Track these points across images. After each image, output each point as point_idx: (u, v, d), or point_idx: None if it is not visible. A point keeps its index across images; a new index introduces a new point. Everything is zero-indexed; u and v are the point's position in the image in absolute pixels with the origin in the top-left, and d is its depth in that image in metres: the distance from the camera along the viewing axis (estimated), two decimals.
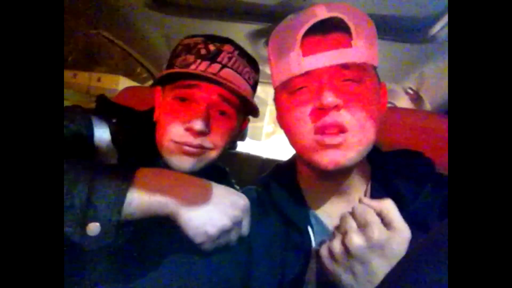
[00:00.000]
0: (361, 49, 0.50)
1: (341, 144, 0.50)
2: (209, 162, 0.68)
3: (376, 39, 0.55)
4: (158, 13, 0.96)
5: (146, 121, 0.73)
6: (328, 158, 0.50)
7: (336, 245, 0.44)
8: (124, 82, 2.56)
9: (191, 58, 0.66)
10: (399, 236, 0.41)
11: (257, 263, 0.53)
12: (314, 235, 0.54)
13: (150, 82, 1.61)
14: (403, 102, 1.36)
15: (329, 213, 0.58)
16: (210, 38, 0.69)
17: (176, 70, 0.66)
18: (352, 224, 0.44)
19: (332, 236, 0.46)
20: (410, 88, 1.26)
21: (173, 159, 0.65)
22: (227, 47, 0.68)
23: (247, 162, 1.67)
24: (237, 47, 0.70)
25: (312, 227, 0.54)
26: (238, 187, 0.83)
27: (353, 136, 0.50)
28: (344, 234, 0.44)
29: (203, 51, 0.66)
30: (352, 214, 0.45)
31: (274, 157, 1.77)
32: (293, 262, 0.52)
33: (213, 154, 0.67)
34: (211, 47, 0.67)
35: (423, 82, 1.18)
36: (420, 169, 0.58)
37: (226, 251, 0.53)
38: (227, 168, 0.88)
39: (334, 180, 0.57)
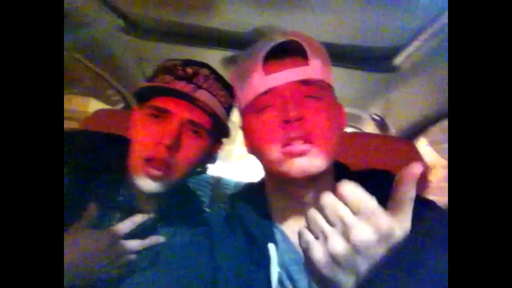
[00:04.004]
0: (317, 67, 0.55)
1: (306, 152, 0.53)
2: (173, 184, 0.69)
3: (330, 63, 0.60)
4: (131, 37, 0.97)
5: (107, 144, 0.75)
6: (296, 167, 0.53)
7: (338, 244, 0.35)
8: (94, 105, 2.51)
9: (168, 78, 0.69)
10: (402, 224, 0.36)
11: (224, 279, 0.53)
12: (278, 253, 0.54)
13: (122, 105, 1.59)
14: (369, 127, 1.42)
15: (295, 230, 0.58)
16: (188, 62, 0.72)
17: (154, 84, 0.69)
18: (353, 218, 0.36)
19: (318, 239, 0.38)
20: (376, 114, 1.32)
21: (138, 180, 0.67)
22: (204, 71, 0.71)
23: (219, 185, 1.65)
24: (213, 71, 0.74)
25: (276, 245, 0.55)
26: (208, 209, 0.83)
27: (317, 146, 0.53)
28: (344, 229, 0.36)
29: (180, 73, 0.69)
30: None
31: (246, 180, 1.76)
32: (258, 278, 0.53)
33: (177, 175, 0.69)
34: (189, 70, 0.70)
35: (388, 109, 1.24)
36: (389, 190, 0.61)
37: (190, 266, 0.53)
38: (197, 192, 0.88)
39: (300, 196, 0.58)
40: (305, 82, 0.55)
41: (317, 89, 0.56)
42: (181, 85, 0.67)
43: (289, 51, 0.56)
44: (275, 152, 0.54)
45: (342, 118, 0.63)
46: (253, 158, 0.63)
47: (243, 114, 0.61)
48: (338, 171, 0.64)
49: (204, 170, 1.59)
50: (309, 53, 0.55)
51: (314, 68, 0.55)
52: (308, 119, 0.53)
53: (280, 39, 0.55)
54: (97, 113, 1.20)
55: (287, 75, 0.54)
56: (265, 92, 0.55)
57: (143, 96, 0.71)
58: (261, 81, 0.55)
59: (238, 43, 0.94)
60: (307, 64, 0.55)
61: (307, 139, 0.53)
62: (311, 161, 0.53)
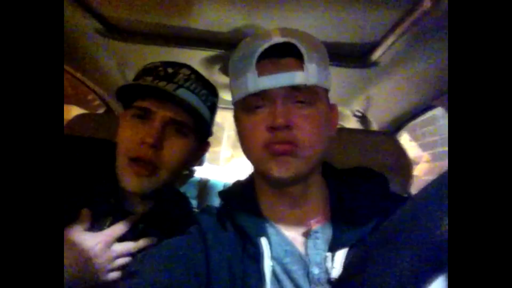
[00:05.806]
0: (312, 72, 0.54)
1: (291, 151, 0.53)
2: (160, 183, 0.69)
3: (327, 63, 0.60)
4: (111, 39, 0.96)
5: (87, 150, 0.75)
6: (280, 167, 0.53)
7: None
8: (76, 112, 2.46)
9: (149, 78, 0.69)
10: None
11: (216, 274, 0.53)
12: (271, 246, 0.55)
13: (103, 110, 1.57)
14: (352, 124, 1.44)
15: (287, 223, 0.60)
16: (169, 63, 0.73)
17: (133, 82, 0.70)
18: None
19: None
20: (358, 111, 1.34)
21: (126, 181, 0.66)
22: (184, 70, 0.72)
23: (207, 187, 1.65)
24: (193, 71, 0.74)
25: (268, 238, 0.56)
26: (197, 210, 0.83)
27: (302, 151, 0.53)
28: None
29: (161, 73, 0.70)
30: None
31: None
32: (251, 272, 0.53)
33: (164, 175, 0.68)
34: (169, 70, 0.71)
35: (369, 104, 1.26)
36: (375, 187, 0.63)
37: (186, 263, 0.53)
38: (187, 194, 0.88)
39: (289, 191, 0.59)
40: (298, 88, 0.54)
41: (309, 95, 0.55)
42: (161, 85, 0.68)
43: (285, 51, 0.55)
44: (261, 151, 0.55)
45: (334, 119, 0.63)
46: (240, 160, 0.64)
47: (236, 107, 0.62)
48: (325, 168, 0.65)
49: (192, 173, 1.58)
50: (305, 57, 0.54)
51: (309, 74, 0.54)
52: (297, 127, 0.53)
53: (277, 39, 0.54)
54: (77, 118, 1.18)
55: (280, 79, 0.53)
56: (257, 93, 0.54)
57: (127, 98, 0.71)
58: (254, 81, 0.54)
59: (220, 43, 0.94)
60: (302, 69, 0.54)
61: (293, 145, 0.53)
62: (295, 162, 0.53)
